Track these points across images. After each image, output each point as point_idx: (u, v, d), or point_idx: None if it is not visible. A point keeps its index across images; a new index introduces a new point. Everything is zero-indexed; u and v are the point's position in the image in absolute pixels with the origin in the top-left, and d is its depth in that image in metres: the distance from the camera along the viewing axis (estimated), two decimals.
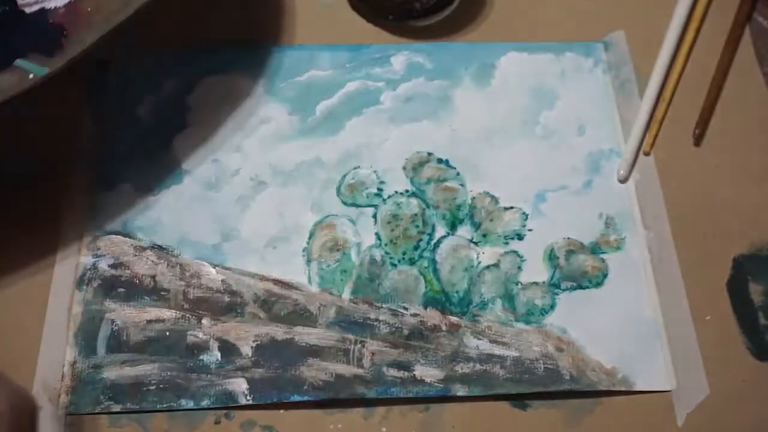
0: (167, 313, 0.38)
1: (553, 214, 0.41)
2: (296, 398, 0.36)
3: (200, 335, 0.37)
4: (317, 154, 0.43)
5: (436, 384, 0.36)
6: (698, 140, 0.43)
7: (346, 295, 0.39)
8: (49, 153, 0.42)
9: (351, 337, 0.38)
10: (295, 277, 0.39)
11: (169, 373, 0.36)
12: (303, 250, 0.40)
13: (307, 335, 0.38)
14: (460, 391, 0.36)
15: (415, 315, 0.38)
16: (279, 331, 0.38)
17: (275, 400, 0.36)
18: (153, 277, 0.39)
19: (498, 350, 0.37)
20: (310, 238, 0.40)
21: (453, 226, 0.41)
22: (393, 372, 0.37)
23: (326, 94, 0.44)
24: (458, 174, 0.42)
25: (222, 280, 0.39)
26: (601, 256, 0.40)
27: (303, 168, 0.42)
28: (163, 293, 0.38)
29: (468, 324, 0.38)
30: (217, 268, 0.39)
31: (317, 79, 0.45)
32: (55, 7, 0.38)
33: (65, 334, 0.37)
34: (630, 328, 0.38)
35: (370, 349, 0.37)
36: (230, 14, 0.47)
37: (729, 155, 0.43)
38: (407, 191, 0.42)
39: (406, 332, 0.38)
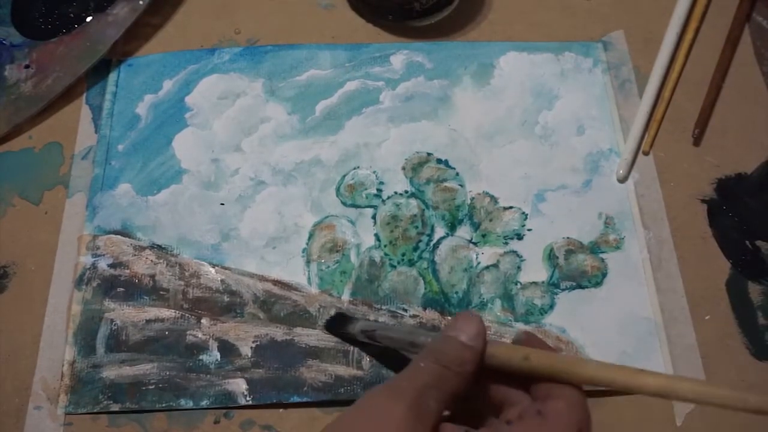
0: (166, 313, 0.38)
1: (553, 214, 0.41)
2: (296, 399, 0.36)
3: (199, 335, 0.37)
4: (317, 153, 0.43)
5: None
6: (698, 140, 0.43)
7: (346, 296, 0.39)
8: (49, 152, 0.42)
9: None
10: (295, 278, 0.39)
11: (168, 373, 0.36)
12: (302, 251, 0.40)
13: (306, 336, 0.37)
14: None
15: (414, 316, 0.38)
16: (278, 332, 0.38)
17: (275, 400, 0.36)
18: (152, 276, 0.39)
19: None
20: (309, 238, 0.40)
21: (452, 227, 0.41)
22: (392, 374, 0.37)
23: (326, 94, 0.44)
24: (457, 174, 0.42)
25: (221, 280, 0.39)
26: (601, 255, 0.40)
27: (302, 168, 0.42)
28: (162, 293, 0.38)
29: None
30: (216, 267, 0.39)
31: (317, 79, 0.45)
32: None
33: (64, 333, 0.37)
34: (629, 327, 0.38)
35: None
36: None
37: (729, 155, 0.43)
38: (407, 192, 0.42)
39: None
